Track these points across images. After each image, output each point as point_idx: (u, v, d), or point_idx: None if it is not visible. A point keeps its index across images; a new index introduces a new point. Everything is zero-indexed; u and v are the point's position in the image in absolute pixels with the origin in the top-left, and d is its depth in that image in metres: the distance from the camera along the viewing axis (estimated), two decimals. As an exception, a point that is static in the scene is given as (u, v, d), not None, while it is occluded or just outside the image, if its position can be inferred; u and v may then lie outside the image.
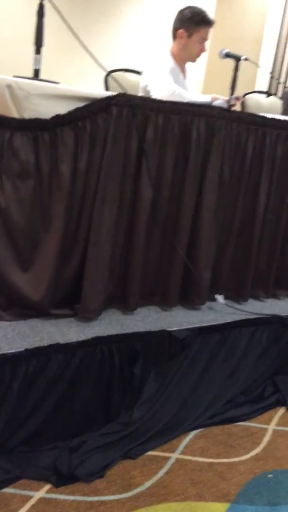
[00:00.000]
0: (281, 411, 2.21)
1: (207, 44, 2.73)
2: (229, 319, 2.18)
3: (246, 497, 1.66)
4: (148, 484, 1.66)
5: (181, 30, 2.65)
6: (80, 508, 1.52)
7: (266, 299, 2.52)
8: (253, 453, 1.90)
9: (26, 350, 1.65)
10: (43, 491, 1.56)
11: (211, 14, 4.99)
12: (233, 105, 2.34)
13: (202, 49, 2.72)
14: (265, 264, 2.47)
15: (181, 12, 2.66)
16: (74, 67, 4.44)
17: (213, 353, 2.10)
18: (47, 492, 1.56)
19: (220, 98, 2.59)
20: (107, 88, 2.96)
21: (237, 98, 2.40)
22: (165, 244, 2.15)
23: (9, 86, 1.67)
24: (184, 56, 2.75)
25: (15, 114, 1.71)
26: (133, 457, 1.77)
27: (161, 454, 1.82)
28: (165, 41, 2.82)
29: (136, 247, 2.02)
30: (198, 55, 2.76)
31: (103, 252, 1.91)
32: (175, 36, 2.72)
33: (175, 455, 1.82)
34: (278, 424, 2.10)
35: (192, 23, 2.62)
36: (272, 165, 2.31)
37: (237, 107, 2.68)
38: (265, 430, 2.06)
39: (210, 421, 2.04)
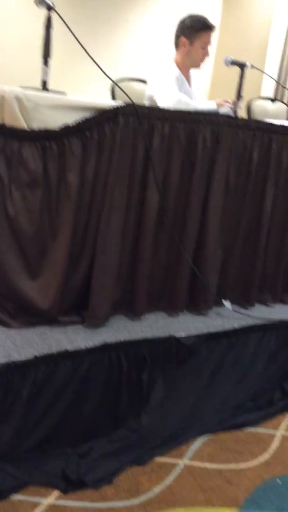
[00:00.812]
0: (289, 417, 2.21)
1: (211, 50, 2.76)
2: (236, 324, 2.18)
3: (255, 502, 1.66)
4: (156, 490, 1.66)
5: (182, 38, 2.69)
6: (89, 514, 1.53)
7: (273, 304, 2.52)
8: (261, 458, 1.90)
9: (35, 357, 1.67)
10: (51, 498, 1.57)
11: (216, 21, 5.03)
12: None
13: (205, 54, 2.75)
14: (272, 269, 2.48)
15: (182, 21, 2.70)
16: (81, 76, 4.49)
17: (220, 358, 2.10)
18: (56, 498, 1.57)
19: (224, 104, 2.62)
20: (113, 97, 2.99)
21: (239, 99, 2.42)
22: (171, 250, 2.16)
23: (17, 98, 1.70)
24: (188, 63, 2.78)
25: (23, 125, 1.74)
26: (141, 463, 1.77)
27: (169, 460, 1.82)
28: (171, 50, 2.85)
29: (143, 254, 2.04)
30: (202, 61, 2.79)
31: (111, 259, 1.93)
32: (177, 44, 2.76)
33: (183, 461, 1.83)
34: (286, 430, 2.10)
35: (193, 30, 2.66)
36: (278, 171, 2.32)
37: (242, 114, 2.70)
38: (274, 435, 2.06)
39: (218, 427, 2.05)
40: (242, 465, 1.85)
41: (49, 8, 1.84)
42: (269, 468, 1.85)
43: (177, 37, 2.73)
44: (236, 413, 2.14)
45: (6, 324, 1.86)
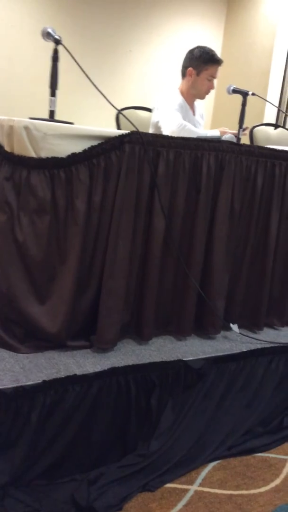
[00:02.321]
0: (300, 441, 2.19)
1: (215, 81, 2.83)
2: (244, 348, 2.18)
3: (267, 530, 1.64)
4: (167, 517, 1.65)
5: (190, 68, 2.76)
6: None
7: (281, 328, 2.52)
8: (272, 484, 1.88)
9: (44, 381, 1.67)
10: (62, 525, 1.56)
11: (218, 50, 5.15)
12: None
13: (210, 87, 2.82)
14: (278, 292, 2.49)
15: (191, 51, 2.77)
16: (87, 106, 4.60)
17: (229, 382, 2.10)
18: (66, 525, 1.56)
19: (228, 132, 2.67)
20: (118, 126, 3.06)
21: (244, 130, 2.48)
22: (179, 275, 2.18)
23: (26, 128, 1.75)
24: (193, 93, 2.85)
25: (32, 153, 1.78)
26: (151, 490, 1.75)
27: (179, 486, 1.81)
28: (173, 79, 2.92)
29: (150, 278, 2.06)
30: (206, 92, 2.85)
31: (118, 284, 1.95)
32: (184, 74, 2.83)
33: (193, 487, 1.81)
34: (297, 455, 2.08)
35: (201, 62, 2.73)
36: (282, 196, 2.36)
37: (245, 139, 2.75)
38: (285, 461, 2.03)
39: (228, 452, 2.03)
40: (253, 491, 1.83)
41: (57, 41, 1.90)
42: (281, 494, 1.82)
43: (185, 67, 2.81)
44: (246, 438, 2.12)
45: (15, 349, 1.88)
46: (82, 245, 1.88)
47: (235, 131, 2.58)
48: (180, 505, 1.70)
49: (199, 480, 1.85)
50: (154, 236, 2.03)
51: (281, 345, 2.27)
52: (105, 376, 1.80)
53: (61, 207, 1.86)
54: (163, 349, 2.08)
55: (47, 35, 1.93)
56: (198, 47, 2.77)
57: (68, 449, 1.73)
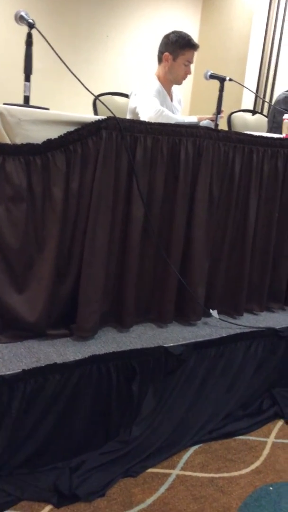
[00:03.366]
0: (279, 423, 2.22)
1: (192, 67, 2.82)
2: (224, 333, 2.20)
3: (248, 510, 1.66)
4: (149, 501, 1.66)
5: (166, 53, 2.74)
6: (82, 528, 1.52)
7: (260, 313, 2.55)
8: (253, 466, 1.91)
9: (24, 371, 1.66)
10: (44, 512, 1.56)
11: (195, 35, 5.12)
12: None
13: (187, 72, 2.81)
14: (258, 278, 2.51)
15: (167, 36, 2.75)
16: (63, 92, 4.54)
17: (209, 368, 2.11)
18: (49, 513, 1.56)
19: (205, 118, 2.67)
20: (96, 112, 3.03)
21: (220, 114, 2.47)
22: (158, 262, 2.18)
23: (0, 114, 1.71)
24: (169, 78, 2.83)
25: (7, 140, 1.75)
26: (133, 475, 1.77)
27: (161, 471, 1.82)
28: (151, 64, 2.90)
29: (130, 266, 2.05)
30: (183, 78, 2.84)
31: (97, 272, 1.94)
32: (160, 59, 2.80)
33: (175, 471, 1.83)
34: (277, 437, 2.11)
35: (178, 47, 2.71)
36: (260, 181, 2.36)
37: (223, 125, 2.75)
38: (265, 443, 2.07)
39: (209, 436, 2.05)
40: (234, 473, 1.86)
41: (30, 25, 1.86)
42: (261, 476, 1.86)
43: (161, 52, 2.78)
44: (226, 422, 2.15)
45: (-7, 339, 1.86)
46: (60, 233, 1.86)
47: (211, 116, 2.57)
48: (162, 489, 1.72)
49: (180, 464, 1.87)
50: (133, 224, 2.02)
51: (260, 329, 2.30)
52: (86, 364, 1.79)
53: (37, 194, 1.83)
54: (144, 336, 2.09)
55: (20, 18, 1.88)
56: (174, 32, 2.74)
57: (50, 438, 1.72)
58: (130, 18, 5.20)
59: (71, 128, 1.84)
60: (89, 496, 1.63)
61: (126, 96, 3.16)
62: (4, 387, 1.61)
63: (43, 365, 1.71)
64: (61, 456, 1.75)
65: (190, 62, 2.79)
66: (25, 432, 1.67)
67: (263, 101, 4.96)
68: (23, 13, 1.87)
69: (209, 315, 2.34)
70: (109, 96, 3.19)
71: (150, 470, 1.81)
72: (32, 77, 1.90)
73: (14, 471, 1.66)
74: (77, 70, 1.93)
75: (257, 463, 1.93)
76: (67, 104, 4.60)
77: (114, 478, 1.72)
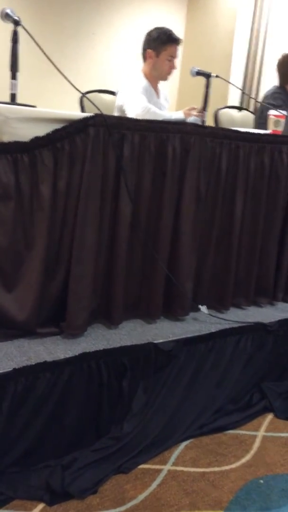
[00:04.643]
0: (269, 417, 2.24)
1: (177, 62, 2.82)
2: (213, 328, 2.21)
3: (239, 504, 1.68)
4: (141, 497, 1.67)
5: (149, 50, 2.74)
6: (75, 524, 1.52)
7: (247, 307, 2.56)
8: (243, 460, 1.93)
9: (14, 370, 1.66)
10: (36, 510, 1.56)
11: (180, 33, 5.13)
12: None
13: (171, 67, 2.81)
14: (244, 273, 2.52)
15: (149, 33, 2.75)
16: (49, 90, 4.51)
17: (199, 363, 2.13)
18: (41, 511, 1.56)
19: (191, 113, 2.67)
20: (82, 109, 3.02)
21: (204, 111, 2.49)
22: (146, 258, 2.18)
23: (-13, 111, 1.71)
24: (155, 75, 2.83)
25: (-7, 138, 1.74)
26: (125, 471, 1.77)
27: (153, 466, 1.83)
28: (137, 62, 2.89)
29: (118, 262, 2.05)
30: (168, 73, 2.84)
31: (86, 269, 1.94)
32: (145, 57, 2.81)
33: (167, 467, 1.84)
34: (267, 430, 2.14)
35: (159, 43, 2.71)
36: (247, 177, 2.38)
37: (209, 122, 2.76)
38: (255, 436, 2.09)
39: (200, 431, 2.06)
40: (225, 467, 1.87)
41: (16, 23, 1.86)
42: (252, 469, 1.88)
43: (144, 50, 2.79)
44: (217, 417, 2.16)
45: (-17, 338, 1.85)
46: (48, 231, 1.86)
47: (193, 107, 2.58)
48: (154, 485, 1.73)
49: (172, 460, 1.88)
50: (121, 220, 2.02)
51: (249, 324, 2.31)
52: (76, 362, 1.79)
53: (25, 192, 1.83)
54: (133, 333, 2.09)
55: (5, 16, 1.88)
56: (156, 28, 2.75)
57: (41, 436, 1.72)
58: (115, 16, 5.18)
59: (59, 126, 1.83)
60: (82, 493, 1.63)
61: (113, 93, 3.15)
62: (-5, 386, 1.60)
63: (34, 363, 1.71)
64: (53, 454, 1.75)
65: (174, 57, 2.79)
66: (17, 431, 1.67)
67: (249, 97, 4.98)
68: (8, 11, 1.87)
69: (198, 310, 2.35)
70: (96, 93, 3.18)
71: (141, 466, 1.82)
72: (18, 74, 1.89)
73: (5, 470, 1.66)
74: (64, 68, 1.92)
75: (248, 457, 1.95)
76: (53, 102, 4.57)
77: (106, 475, 1.73)
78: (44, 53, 1.85)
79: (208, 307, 2.40)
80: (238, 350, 2.26)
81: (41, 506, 1.58)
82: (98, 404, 1.87)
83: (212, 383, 2.19)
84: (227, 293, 2.45)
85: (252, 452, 1.99)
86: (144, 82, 2.81)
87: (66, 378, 1.76)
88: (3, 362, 1.71)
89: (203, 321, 2.30)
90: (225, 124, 3.62)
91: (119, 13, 5.19)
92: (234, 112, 3.85)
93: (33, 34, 1.82)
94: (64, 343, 1.91)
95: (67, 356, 1.80)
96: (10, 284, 1.87)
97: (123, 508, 1.61)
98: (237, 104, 4.98)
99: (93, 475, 1.71)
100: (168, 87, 3.13)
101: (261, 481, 1.81)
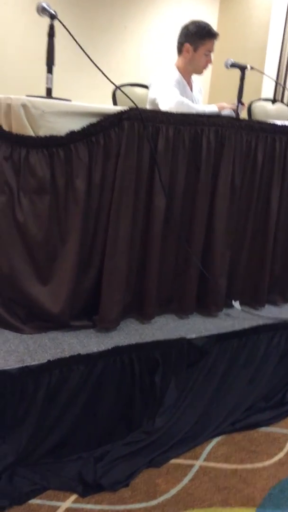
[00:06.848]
0: (302, 415, 2.21)
1: (212, 55, 2.79)
2: (246, 325, 2.19)
3: (272, 501, 1.66)
4: (173, 491, 1.67)
5: (187, 45, 2.71)
6: (108, 516, 1.53)
7: (283, 304, 2.52)
8: (276, 458, 1.90)
9: (49, 361, 1.67)
10: (69, 501, 1.58)
11: (213, 24, 5.06)
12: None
13: (208, 61, 2.78)
14: (280, 269, 2.48)
15: (186, 27, 2.71)
16: (82, 84, 4.53)
17: (232, 359, 2.11)
18: (74, 502, 1.58)
19: (226, 107, 2.64)
20: (115, 103, 3.01)
21: (243, 104, 2.44)
22: (180, 253, 2.17)
23: (24, 106, 1.72)
24: (190, 69, 2.80)
25: (30, 132, 1.75)
26: (157, 466, 1.78)
27: (184, 461, 1.83)
28: (169, 55, 2.86)
29: (152, 257, 2.05)
30: (205, 67, 2.81)
31: (120, 263, 1.94)
32: (180, 50, 2.77)
33: (198, 462, 1.83)
34: (300, 429, 2.10)
35: (198, 37, 2.67)
36: (283, 171, 2.33)
37: (243, 115, 2.72)
38: (287, 435, 2.06)
39: (232, 427, 2.05)
40: (258, 465, 1.85)
41: (52, 17, 1.86)
42: (284, 467, 1.85)
43: (181, 43, 2.75)
44: (249, 413, 2.14)
45: (18, 330, 1.88)
46: (82, 225, 1.87)
47: (233, 105, 2.54)
48: (186, 480, 1.73)
49: (204, 455, 1.87)
50: (155, 215, 2.01)
51: (283, 321, 2.28)
52: (109, 355, 1.80)
53: (60, 186, 1.84)
54: (166, 328, 2.09)
55: (42, 10, 1.88)
56: (193, 22, 2.71)
57: (74, 428, 1.74)
58: (147, 9, 5.15)
59: (93, 120, 1.83)
60: (113, 486, 1.64)
61: (146, 87, 3.14)
62: (30, 377, 1.63)
63: (68, 356, 1.72)
64: (85, 446, 1.77)
65: (211, 51, 2.75)
66: (50, 422, 1.69)
67: (284, 89, 4.89)
68: (45, 5, 1.87)
69: (231, 306, 2.32)
70: (128, 87, 3.17)
71: (173, 461, 1.82)
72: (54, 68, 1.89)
73: (39, 460, 1.68)
74: (96, 61, 1.92)
75: (281, 455, 1.92)
76: (85, 96, 4.57)
77: (138, 468, 1.73)
78: (80, 47, 1.85)
79: (242, 304, 2.38)
80: (271, 347, 2.22)
81: (73, 497, 1.60)
82: (130, 398, 1.87)
83: (245, 380, 2.16)
84: (262, 289, 2.41)
85: (285, 450, 1.96)
86: (176, 75, 2.78)
87: (99, 371, 1.77)
88: (38, 353, 1.73)
89: (236, 317, 2.28)
90: (259, 116, 3.56)
91: (151, 6, 5.16)
92: (268, 104, 3.78)
93: (68, 27, 1.82)
94: (97, 337, 1.92)
95: (100, 349, 1.81)
96: (45, 277, 1.89)
97: (155, 502, 1.61)
98: (270, 96, 4.89)
99: (125, 468, 1.71)
100: (201, 81, 3.09)
101: (295, 480, 1.79)
